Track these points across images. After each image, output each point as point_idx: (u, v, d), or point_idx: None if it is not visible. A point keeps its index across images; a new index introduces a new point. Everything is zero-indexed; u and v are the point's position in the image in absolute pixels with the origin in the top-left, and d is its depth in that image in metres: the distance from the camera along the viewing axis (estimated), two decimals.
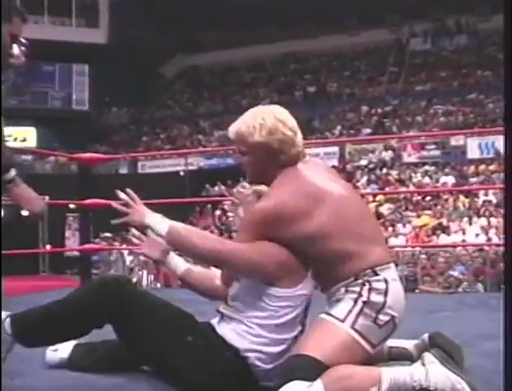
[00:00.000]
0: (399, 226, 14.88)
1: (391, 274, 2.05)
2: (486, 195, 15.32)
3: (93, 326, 2.17)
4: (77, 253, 9.50)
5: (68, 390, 2.13)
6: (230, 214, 18.81)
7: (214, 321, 2.16)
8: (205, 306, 2.22)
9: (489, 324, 2.92)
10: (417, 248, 11.43)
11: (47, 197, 7.08)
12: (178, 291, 7.19)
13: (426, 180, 17.65)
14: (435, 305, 4.10)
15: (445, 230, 14.35)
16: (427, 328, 2.27)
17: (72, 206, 8.13)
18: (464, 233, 13.75)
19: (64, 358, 2.31)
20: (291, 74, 30.03)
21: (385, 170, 19.04)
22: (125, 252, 12.68)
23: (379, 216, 14.39)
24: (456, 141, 19.09)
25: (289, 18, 26.61)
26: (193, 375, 2.02)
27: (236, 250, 2.04)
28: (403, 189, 16.82)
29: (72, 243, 17.07)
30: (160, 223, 2.20)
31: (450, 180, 17.02)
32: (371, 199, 15.82)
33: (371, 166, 19.60)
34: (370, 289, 1.98)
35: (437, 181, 17.36)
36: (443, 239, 13.87)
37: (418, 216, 15.50)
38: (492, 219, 13.85)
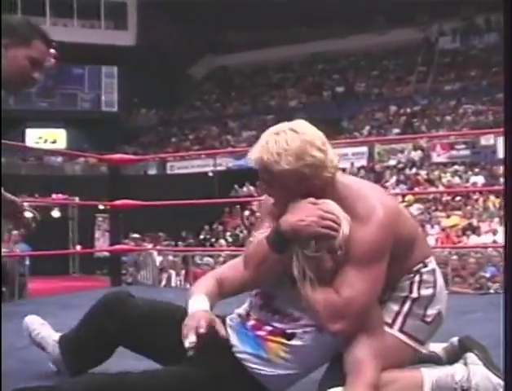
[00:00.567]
0: (428, 226, 14.76)
1: (434, 263, 2.00)
2: None
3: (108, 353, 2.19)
4: (106, 254, 9.59)
5: None
6: (258, 215, 18.82)
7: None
8: (233, 307, 2.19)
9: None
10: (447, 249, 11.31)
11: (77, 198, 7.15)
12: None
13: (456, 180, 17.46)
14: (466, 306, 4.05)
15: (475, 230, 14.19)
16: (458, 329, 2.25)
17: (101, 207, 8.20)
18: (495, 233, 13.57)
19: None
20: (319, 74, 29.95)
21: (414, 170, 18.89)
22: (155, 253, 12.75)
23: None
24: (486, 140, 18.83)
25: (318, 18, 26.56)
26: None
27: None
28: (433, 189, 16.66)
29: (102, 243, 17.23)
30: None
31: (480, 180, 16.82)
32: (400, 199, 15.71)
33: (400, 166, 19.46)
34: (421, 282, 1.93)
35: (467, 181, 17.17)
36: (474, 239, 13.72)
37: (448, 216, 15.35)
38: None
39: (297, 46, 29.49)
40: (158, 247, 14.85)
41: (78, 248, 17.78)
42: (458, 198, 15.99)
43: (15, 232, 11.10)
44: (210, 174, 21.08)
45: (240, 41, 30.03)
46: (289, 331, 1.86)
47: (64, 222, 18.92)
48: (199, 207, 15.29)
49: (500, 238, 13.21)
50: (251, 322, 1.94)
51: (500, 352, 2.15)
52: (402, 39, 28.05)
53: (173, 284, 11.98)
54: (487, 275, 10.19)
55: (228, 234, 18.19)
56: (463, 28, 27.99)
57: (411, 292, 1.92)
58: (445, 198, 16.16)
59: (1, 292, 3.35)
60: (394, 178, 18.40)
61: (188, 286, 11.21)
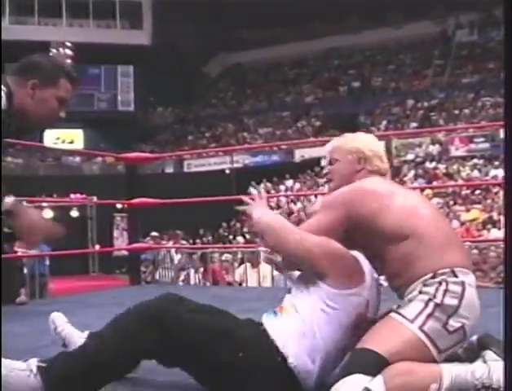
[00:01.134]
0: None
1: (470, 279, 1.98)
2: None
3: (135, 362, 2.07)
4: (125, 253, 9.61)
5: None
6: (275, 212, 18.80)
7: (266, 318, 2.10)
8: (252, 304, 2.18)
9: None
10: (467, 243, 11.21)
11: (95, 197, 7.18)
12: (225, 288, 7.22)
13: (475, 173, 17.33)
14: (488, 299, 3.99)
15: (496, 224, 14.07)
16: (480, 323, 2.21)
17: (119, 206, 8.23)
18: None
19: None
20: (335, 70, 29.88)
21: (432, 164, 18.77)
22: (173, 251, 12.77)
23: None
24: None
25: (332, 13, 26.48)
26: (233, 371, 1.97)
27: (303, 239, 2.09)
28: (452, 183, 16.54)
29: (121, 242, 17.30)
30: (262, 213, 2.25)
31: (500, 173, 16.64)
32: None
33: (418, 160, 19.35)
34: (446, 291, 1.92)
35: (486, 174, 17.03)
36: (494, 233, 13.59)
37: (467, 210, 15.23)
38: None
39: (311, 42, 29.45)
40: (176, 245, 14.88)
41: (97, 247, 17.86)
42: (478, 191, 15.86)
43: None
44: (227, 172, 21.10)
45: (255, 38, 30.04)
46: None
47: (83, 222, 18.99)
48: (216, 204, 15.27)
49: None
50: None
51: None
52: (418, 33, 27.91)
53: (192, 282, 11.98)
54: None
55: (246, 231, 18.19)
56: (480, 20, 27.78)
57: (435, 296, 1.92)
58: (464, 192, 16.03)
59: (0, 292, 3.37)
60: (412, 173, 18.30)
61: (207, 283, 11.22)
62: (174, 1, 26.18)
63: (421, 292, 1.95)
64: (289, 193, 18.41)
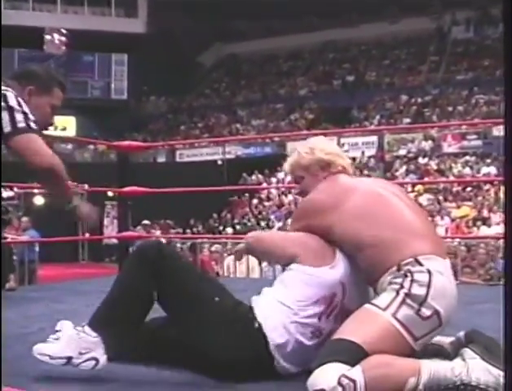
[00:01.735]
0: (438, 217, 14.69)
1: (437, 266, 1.99)
2: None
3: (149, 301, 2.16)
4: (115, 241, 9.60)
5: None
6: (266, 203, 18.83)
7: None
8: (239, 294, 2.20)
9: None
10: (457, 240, 11.25)
11: (86, 185, 7.16)
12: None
13: (467, 171, 17.37)
14: (476, 296, 4.03)
15: (486, 221, 14.12)
16: (467, 320, 2.23)
17: (110, 194, 8.20)
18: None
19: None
20: (330, 63, 29.85)
21: (424, 160, 18.82)
22: (163, 240, 12.76)
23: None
24: (498, 131, 18.67)
25: (329, 6, 26.42)
26: (213, 338, 2.08)
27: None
28: (443, 179, 16.59)
29: (111, 231, 17.27)
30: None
31: (492, 171, 16.72)
32: (410, 189, 15.64)
33: (410, 156, 19.39)
34: (412, 281, 1.95)
35: (478, 171, 17.08)
36: (484, 230, 13.65)
37: (458, 207, 15.29)
38: None
39: (307, 35, 29.40)
40: (166, 234, 14.88)
41: (87, 235, 17.85)
42: (469, 189, 15.91)
43: (24, 219, 11.12)
44: (219, 162, 21.10)
45: (250, 29, 29.97)
46: None
47: (73, 209, 18.98)
48: (207, 195, 15.29)
49: None
50: None
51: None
52: (414, 28, 27.91)
53: None
54: (498, 266, 10.13)
55: (236, 222, 18.21)
56: (477, 17, 27.78)
57: (402, 286, 1.96)
58: (455, 188, 16.08)
59: (0, 289, 3.36)
60: (403, 168, 18.34)
61: None
62: None
63: (390, 283, 1.99)
64: (280, 185, 18.41)
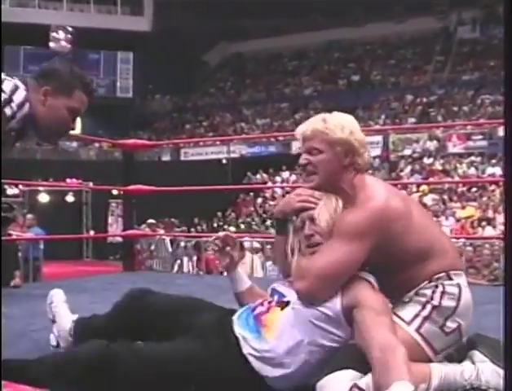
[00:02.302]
0: (443, 217, 14.67)
1: (464, 280, 1.99)
2: None
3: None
4: (119, 239, 9.61)
5: None
6: (271, 203, 18.82)
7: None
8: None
9: None
10: (462, 240, 11.23)
11: (91, 183, 7.17)
12: (218, 278, 7.22)
13: (472, 171, 17.34)
14: (481, 296, 3.99)
15: (491, 222, 14.10)
16: (473, 321, 2.22)
17: (115, 192, 8.22)
18: None
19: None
20: (335, 62, 29.82)
21: (429, 160, 18.78)
22: (167, 239, 12.77)
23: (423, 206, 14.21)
24: (503, 131, 18.65)
25: (335, 5, 26.39)
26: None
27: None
28: (448, 179, 16.56)
29: (115, 229, 17.31)
30: None
31: (497, 171, 16.67)
32: (414, 189, 15.61)
33: (415, 156, 19.36)
34: (443, 293, 1.93)
35: (483, 172, 17.05)
36: (489, 231, 13.63)
37: (463, 207, 15.26)
38: None
39: (313, 34, 29.35)
40: (171, 233, 14.89)
41: (92, 233, 17.87)
42: (474, 189, 15.87)
43: (29, 216, 11.16)
44: (224, 161, 21.09)
45: (256, 29, 29.93)
46: (286, 299, 1.97)
47: (78, 207, 19.00)
48: (212, 194, 15.30)
49: None
50: (258, 302, 2.04)
51: None
52: (420, 28, 27.84)
53: (185, 270, 12.00)
54: (502, 267, 10.11)
55: (241, 221, 18.21)
56: (483, 17, 27.68)
57: (432, 298, 1.92)
58: (460, 189, 16.05)
59: (0, 285, 3.37)
60: (408, 168, 18.31)
61: (200, 272, 11.23)
62: None
63: (417, 294, 1.94)
64: (284, 184, 18.40)
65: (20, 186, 14.77)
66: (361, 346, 1.79)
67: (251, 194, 19.63)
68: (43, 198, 18.05)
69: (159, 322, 2.10)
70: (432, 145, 19.73)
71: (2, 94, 1.90)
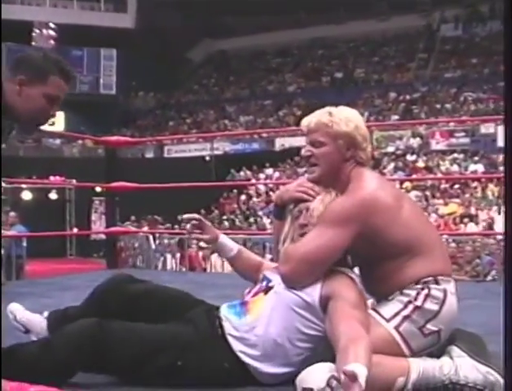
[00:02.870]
0: (425, 214, 14.75)
1: (451, 287, 1.99)
2: None
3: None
4: (103, 237, 9.58)
5: None
6: (255, 199, 18.83)
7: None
8: (230, 291, 2.19)
9: None
10: (445, 236, 11.31)
11: (74, 180, 7.14)
12: (201, 275, 7.23)
13: (455, 168, 17.44)
14: (463, 292, 4.03)
15: (473, 218, 14.20)
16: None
17: (98, 189, 8.19)
18: (493, 222, 13.57)
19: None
20: (318, 60, 29.85)
21: (412, 157, 18.87)
22: (151, 236, 12.76)
23: None
24: (486, 129, 18.78)
25: (318, 3, 26.41)
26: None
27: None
28: (431, 176, 16.64)
29: (99, 226, 17.23)
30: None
31: (479, 168, 16.80)
32: (398, 186, 15.67)
33: (398, 153, 19.44)
34: (427, 296, 1.94)
35: (466, 169, 17.15)
36: (471, 227, 13.72)
37: (445, 204, 15.35)
38: None
39: (296, 31, 29.36)
40: (154, 230, 14.86)
41: (75, 230, 17.79)
42: (456, 186, 15.97)
43: (12, 214, 11.09)
44: (207, 158, 21.05)
45: (239, 26, 29.90)
46: (271, 284, 2.03)
47: (62, 204, 18.92)
48: (196, 191, 15.22)
49: (498, 226, 13.20)
50: (247, 290, 2.14)
51: (497, 338, 2.16)
52: (403, 26, 27.95)
53: (168, 267, 11.99)
54: (484, 263, 10.20)
55: (224, 218, 18.20)
56: (466, 15, 27.84)
57: (416, 299, 1.93)
58: (443, 185, 16.14)
59: (0, 285, 3.34)
60: (392, 165, 18.38)
61: (183, 269, 11.23)
62: None
63: (401, 294, 1.95)
64: (268, 181, 18.41)
65: (3, 184, 14.66)
66: (330, 338, 1.82)
67: (235, 191, 19.61)
68: (26, 195, 17.94)
69: (147, 306, 2.12)
70: (415, 142, 19.83)
71: None
